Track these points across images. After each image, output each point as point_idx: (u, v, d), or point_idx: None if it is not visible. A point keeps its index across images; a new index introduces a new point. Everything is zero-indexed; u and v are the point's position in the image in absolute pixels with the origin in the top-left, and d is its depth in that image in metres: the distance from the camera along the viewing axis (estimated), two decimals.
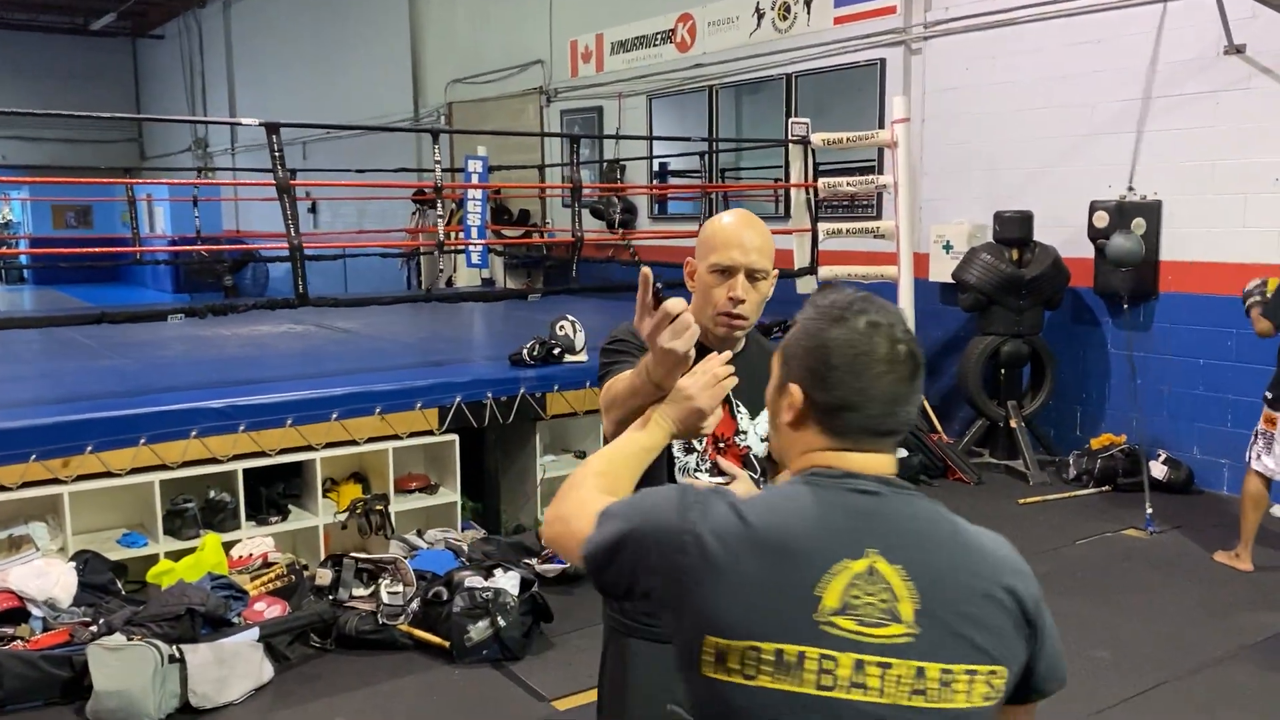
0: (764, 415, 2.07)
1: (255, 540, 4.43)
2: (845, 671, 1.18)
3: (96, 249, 11.89)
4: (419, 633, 3.97)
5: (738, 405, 2.02)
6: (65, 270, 15.40)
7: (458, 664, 3.85)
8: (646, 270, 1.56)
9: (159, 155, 22.31)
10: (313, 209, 15.40)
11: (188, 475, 4.41)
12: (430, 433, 4.90)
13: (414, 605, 4.04)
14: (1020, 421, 6.57)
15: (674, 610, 1.24)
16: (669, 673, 1.93)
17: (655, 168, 10.52)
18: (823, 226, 6.86)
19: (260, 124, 4.77)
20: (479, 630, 3.83)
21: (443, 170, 6.54)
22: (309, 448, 4.62)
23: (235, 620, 3.81)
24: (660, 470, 1.91)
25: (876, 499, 1.26)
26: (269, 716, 3.55)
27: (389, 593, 4.08)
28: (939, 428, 6.80)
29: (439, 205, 6.39)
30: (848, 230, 6.93)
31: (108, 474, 4.21)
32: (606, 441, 1.74)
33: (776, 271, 2.02)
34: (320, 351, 6.16)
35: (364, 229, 13.90)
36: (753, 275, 1.93)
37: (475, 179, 10.00)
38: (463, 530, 4.97)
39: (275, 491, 4.67)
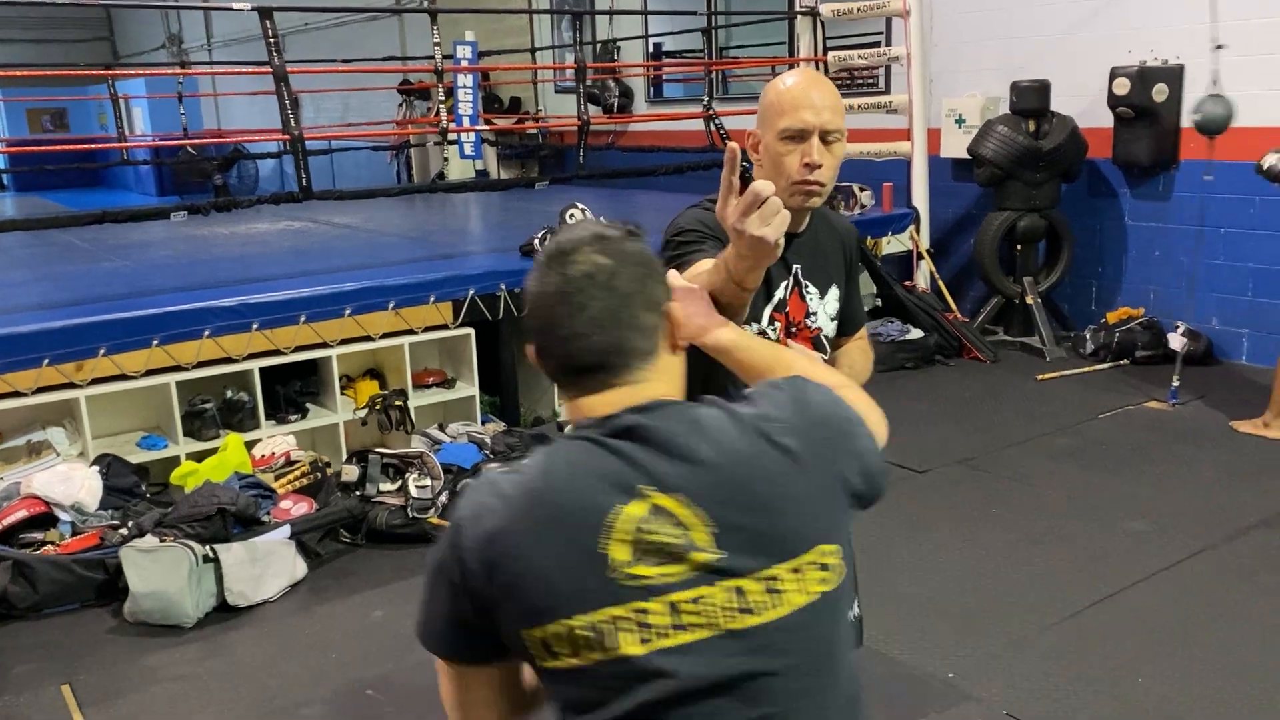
0: (833, 293, 1.98)
1: (276, 439, 4.38)
2: (663, 619, 1.09)
3: (78, 145, 11.43)
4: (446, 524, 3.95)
5: (806, 286, 1.92)
6: (45, 176, 15.02)
7: None
8: (734, 146, 1.33)
9: (132, 55, 21.58)
10: (295, 104, 14.96)
11: (204, 376, 4.33)
12: (445, 326, 4.80)
13: (443, 498, 4.02)
14: (1036, 298, 6.50)
15: (490, 625, 1.15)
16: None
17: (650, 49, 10.17)
18: None
19: (253, 8, 4.54)
20: None
21: (425, 58, 6.27)
22: (324, 344, 4.53)
23: (265, 519, 3.79)
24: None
25: (633, 434, 1.15)
26: (307, 612, 3.56)
27: (417, 486, 4.05)
28: (954, 307, 6.73)
29: (434, 95, 6.16)
30: (858, 106, 6.72)
31: (122, 376, 4.13)
32: None
33: (845, 131, 1.90)
34: (325, 248, 6.01)
35: (350, 123, 13.55)
36: (827, 137, 1.77)
37: (465, 65, 9.67)
38: (483, 424, 4.92)
39: (293, 390, 4.60)
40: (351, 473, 4.11)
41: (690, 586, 1.09)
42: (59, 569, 3.52)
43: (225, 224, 6.97)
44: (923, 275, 6.81)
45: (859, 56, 6.74)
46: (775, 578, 1.12)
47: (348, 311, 4.52)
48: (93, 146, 15.24)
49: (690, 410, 1.20)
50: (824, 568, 1.15)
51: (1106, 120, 6.29)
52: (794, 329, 1.92)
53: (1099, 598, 3.38)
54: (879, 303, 6.64)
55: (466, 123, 10.14)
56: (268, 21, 4.50)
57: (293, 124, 4.56)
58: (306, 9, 6.29)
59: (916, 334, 6.34)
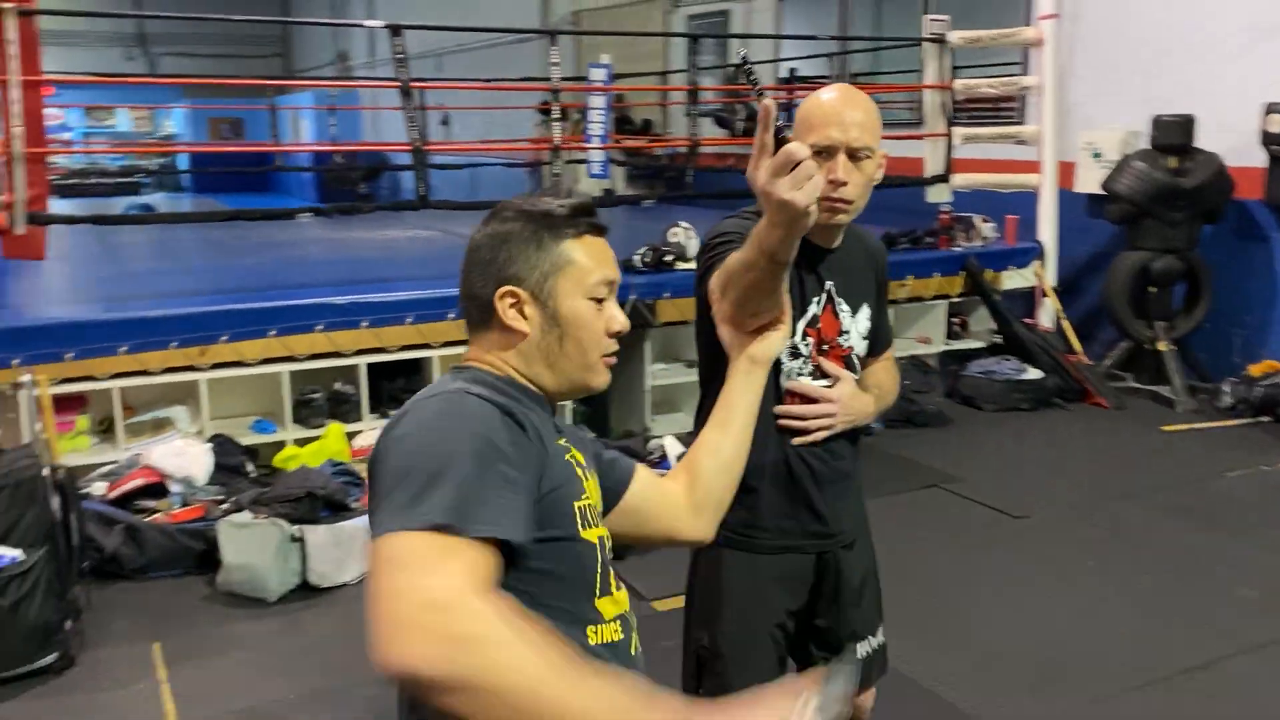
0: (864, 311, 1.96)
1: (376, 431, 4.54)
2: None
3: (241, 148, 12.22)
4: None
5: (840, 303, 1.91)
6: (220, 179, 16.07)
7: None
8: (769, 103, 1.24)
9: (304, 70, 22.92)
10: (445, 121, 15.60)
11: (315, 367, 4.57)
12: None
13: None
14: (1170, 344, 6.17)
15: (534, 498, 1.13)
16: (762, 582, 1.90)
17: (785, 74, 10.17)
18: (958, 132, 6.51)
19: (384, 25, 4.79)
20: None
21: (564, 79, 6.47)
22: (427, 345, 4.71)
23: (354, 505, 3.95)
24: (768, 379, 1.82)
25: None
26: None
27: None
28: (1078, 348, 6.45)
29: (553, 111, 6.34)
30: (986, 136, 6.55)
31: (241, 363, 4.40)
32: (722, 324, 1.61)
33: (884, 155, 1.87)
34: (442, 255, 6.25)
35: (484, 140, 14.04)
36: (855, 155, 1.75)
37: (599, 85, 9.89)
38: None
39: (396, 386, 4.80)
40: None
41: None
42: (164, 536, 3.77)
43: (363, 230, 7.33)
44: (1046, 313, 6.56)
45: (988, 85, 6.57)
46: None
47: (451, 316, 4.69)
48: (245, 149, 16.15)
49: (436, 387, 1.21)
50: None
51: (1257, 159, 5.94)
52: (826, 346, 1.90)
53: (1194, 665, 3.17)
54: (997, 339, 6.44)
55: (596, 143, 10.41)
56: (397, 38, 4.73)
57: (416, 134, 4.78)
58: (432, 28, 6.62)
59: (1034, 374, 6.11)
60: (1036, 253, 6.49)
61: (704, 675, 1.93)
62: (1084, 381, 6.11)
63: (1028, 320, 6.45)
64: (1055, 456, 5.21)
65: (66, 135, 21.29)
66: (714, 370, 1.89)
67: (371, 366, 4.66)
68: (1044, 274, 6.49)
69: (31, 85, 4.00)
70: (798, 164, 1.26)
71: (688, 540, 1.50)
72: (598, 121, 10.30)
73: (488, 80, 10.89)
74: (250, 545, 3.61)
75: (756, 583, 1.91)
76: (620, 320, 1.28)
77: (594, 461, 1.36)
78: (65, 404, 4.23)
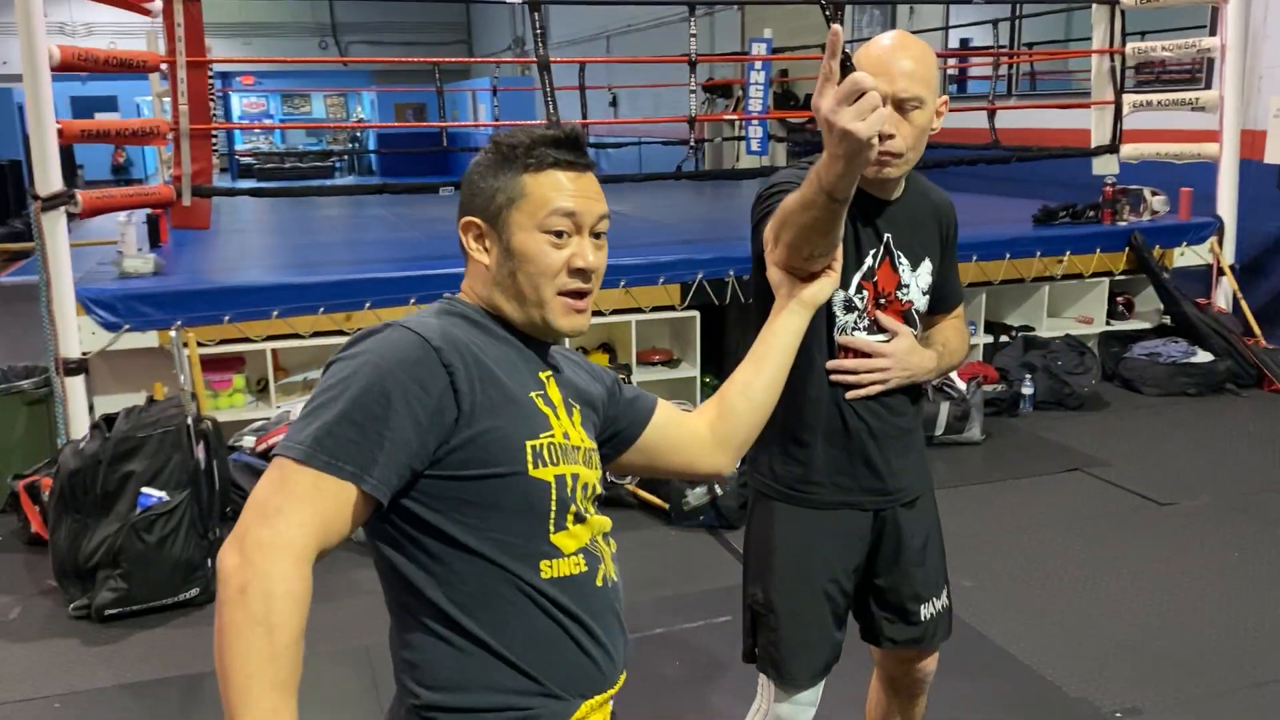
0: (925, 266, 1.90)
1: None
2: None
3: (405, 126, 12.74)
4: (643, 493, 4.10)
5: (899, 255, 1.85)
6: (403, 161, 16.85)
7: (675, 526, 3.96)
8: (837, 28, 1.19)
9: (486, 55, 23.71)
10: (613, 102, 15.83)
11: None
12: (672, 308, 4.96)
13: None
14: None
15: (446, 436, 1.15)
16: (816, 537, 1.88)
17: (957, 43, 9.78)
18: (1128, 99, 6.10)
19: (522, 1, 4.91)
20: (696, 496, 3.90)
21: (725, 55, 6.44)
22: (638, 310, 4.83)
23: None
24: (819, 333, 1.80)
25: None
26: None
27: None
28: (1257, 331, 5.96)
29: (692, 86, 6.31)
30: (1159, 103, 6.12)
31: None
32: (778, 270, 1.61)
33: (945, 99, 1.79)
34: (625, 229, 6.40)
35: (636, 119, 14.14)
36: (903, 106, 1.69)
37: (758, 61, 9.80)
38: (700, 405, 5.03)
39: None
40: None
41: None
42: None
43: None
44: (1223, 293, 6.08)
45: (1163, 48, 6.12)
46: None
47: (660, 280, 4.80)
48: (410, 127, 16.79)
49: (417, 314, 1.25)
50: None
51: None
52: (883, 300, 1.86)
53: None
54: (1165, 320, 6.02)
55: (756, 120, 10.32)
56: (535, 14, 4.84)
57: (552, 110, 4.89)
58: (573, 1, 6.66)
59: (1205, 357, 5.69)
60: (1213, 228, 6.02)
61: (758, 630, 1.93)
62: (1262, 366, 5.65)
63: (1200, 301, 6.00)
64: (1216, 443, 4.84)
65: (268, 121, 22.91)
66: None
67: None
68: (1221, 251, 6.01)
69: (196, 66, 4.33)
70: (863, 94, 1.24)
71: (705, 473, 1.53)
72: (757, 97, 10.23)
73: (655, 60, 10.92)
74: None
75: (810, 538, 1.89)
76: (583, 258, 1.23)
77: (603, 398, 1.38)
78: (224, 363, 4.58)
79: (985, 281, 5.55)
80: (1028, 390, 5.34)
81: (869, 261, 1.83)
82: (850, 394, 1.84)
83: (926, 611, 1.98)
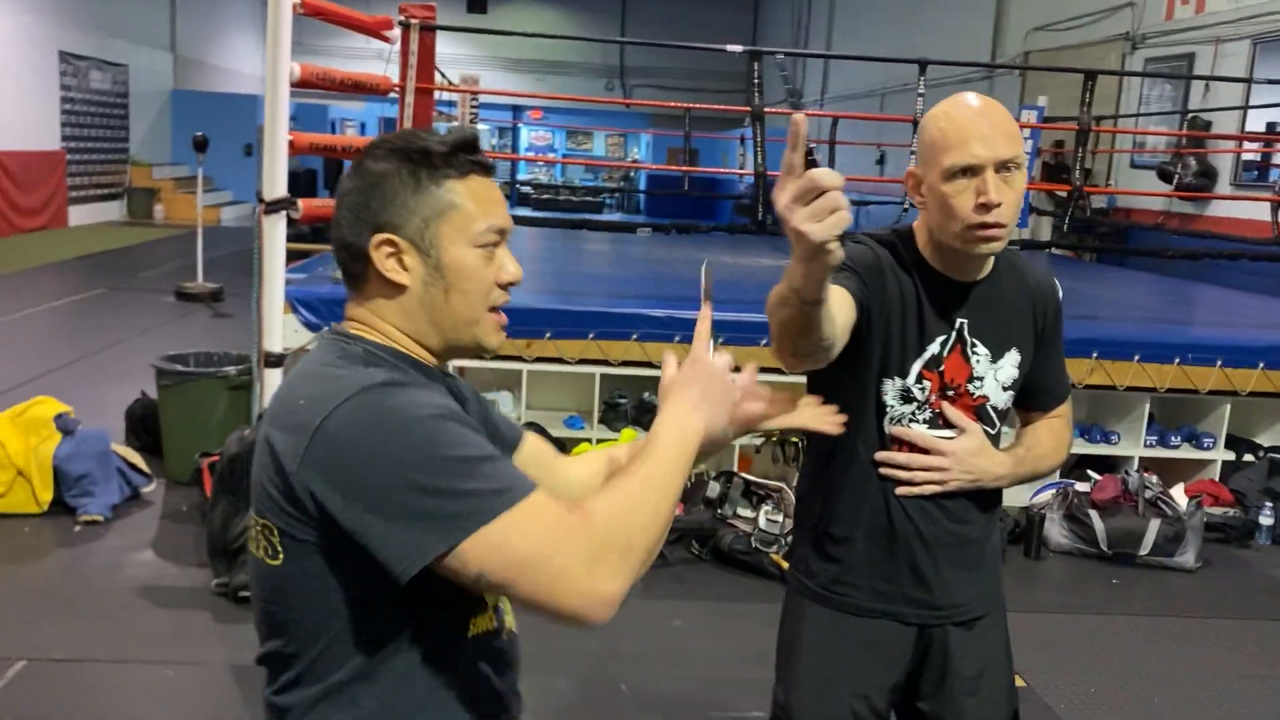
0: (1010, 357, 1.66)
1: None
2: None
3: (653, 168, 13.04)
4: (786, 565, 3.88)
5: (973, 344, 1.64)
6: (669, 202, 17.33)
7: None
8: (800, 117, 1.10)
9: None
10: (880, 160, 15.52)
11: (626, 374, 4.76)
12: None
13: (789, 537, 3.97)
14: None
15: None
16: (846, 645, 1.68)
17: (1260, 126, 8.80)
18: None
19: (743, 50, 4.89)
20: None
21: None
22: (737, 369, 4.69)
23: None
24: (866, 422, 1.64)
25: None
26: (624, 600, 3.75)
27: (768, 519, 4.04)
28: None
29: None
30: None
31: (560, 360, 4.71)
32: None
33: (1025, 158, 1.57)
34: (767, 282, 6.24)
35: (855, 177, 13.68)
36: (1004, 168, 1.50)
37: (1026, 131, 9.24)
38: None
39: None
40: (714, 489, 4.23)
41: None
42: None
43: (728, 253, 7.45)
44: None
45: None
46: (252, 519, 1.15)
47: (763, 342, 4.63)
48: (677, 171, 17.13)
49: (316, 346, 1.18)
50: (268, 540, 1.12)
51: None
52: (951, 392, 1.64)
53: None
54: None
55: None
56: (755, 63, 4.80)
57: (759, 160, 4.81)
58: (806, 54, 6.52)
59: None
60: None
61: None
62: None
63: None
64: None
65: (551, 155, 24.28)
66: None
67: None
68: None
69: (423, 93, 4.61)
70: (822, 193, 1.12)
71: None
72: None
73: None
74: None
75: (840, 645, 1.70)
76: (511, 270, 1.16)
77: (482, 424, 1.27)
78: None
79: (1231, 391, 4.89)
80: (1266, 520, 4.63)
81: (934, 349, 1.63)
82: (900, 490, 1.63)
83: None
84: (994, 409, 1.67)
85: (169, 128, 18.43)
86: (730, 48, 5.16)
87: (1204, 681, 3.39)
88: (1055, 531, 4.40)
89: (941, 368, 1.63)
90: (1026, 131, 9.31)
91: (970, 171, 1.51)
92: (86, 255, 12.25)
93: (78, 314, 8.83)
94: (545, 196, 20.13)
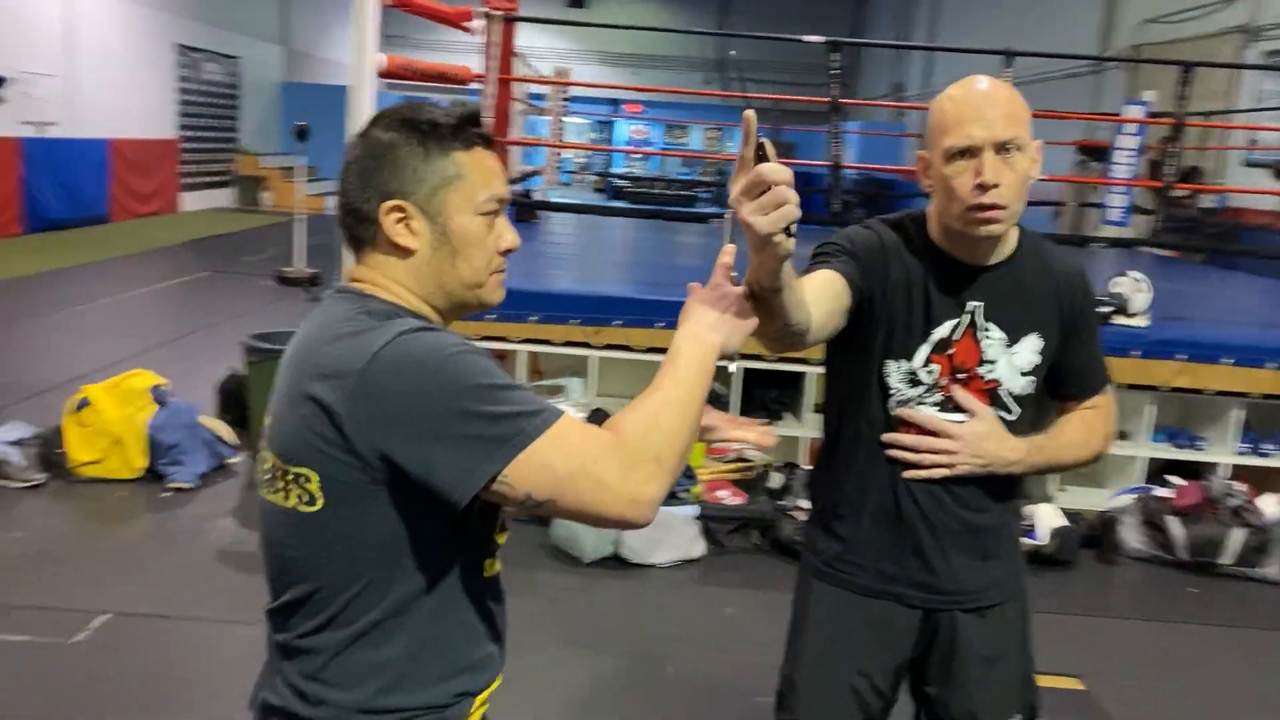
0: (1030, 343, 1.64)
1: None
2: (263, 469, 1.24)
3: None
4: None
5: (985, 328, 1.62)
6: None
7: None
8: (750, 114, 1.16)
9: (862, 100, 23.65)
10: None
11: None
12: None
13: None
14: None
15: None
16: (848, 624, 1.70)
17: None
18: None
19: (825, 40, 4.85)
20: None
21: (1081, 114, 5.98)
22: (804, 361, 4.68)
23: (681, 494, 4.09)
24: (869, 404, 1.64)
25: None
26: (678, 586, 3.79)
27: None
28: None
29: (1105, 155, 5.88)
30: None
31: (627, 348, 4.76)
32: None
33: (1039, 144, 1.55)
34: None
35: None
36: (1004, 149, 1.49)
37: (1130, 126, 8.92)
38: None
39: (769, 396, 4.84)
40: (777, 480, 4.22)
41: (267, 446, 1.24)
42: None
43: (806, 244, 7.43)
44: None
45: None
46: (284, 470, 1.20)
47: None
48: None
49: (328, 303, 1.24)
50: (302, 488, 1.17)
51: None
52: (962, 375, 1.62)
53: None
54: None
55: (1119, 188, 9.38)
56: (835, 54, 4.75)
57: (835, 150, 4.77)
58: (913, 47, 6.42)
59: None
60: None
61: (780, 708, 1.78)
62: None
63: None
64: None
65: (649, 148, 24.34)
66: (834, 399, 1.73)
67: (748, 372, 4.75)
68: None
69: (504, 84, 4.70)
70: (769, 187, 1.15)
71: None
72: (1124, 164, 9.32)
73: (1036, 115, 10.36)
74: None
75: (842, 623, 1.71)
76: (509, 238, 1.24)
77: None
78: None
79: None
80: None
81: (942, 332, 1.62)
82: (908, 474, 1.63)
83: None
84: (1010, 394, 1.64)
85: (278, 118, 19.08)
86: (808, 38, 5.12)
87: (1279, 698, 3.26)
88: (1131, 537, 4.26)
89: (951, 351, 1.62)
90: (1134, 128, 9.01)
91: (969, 153, 1.51)
92: (195, 240, 12.80)
93: (182, 295, 9.25)
94: (639, 190, 20.20)
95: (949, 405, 1.62)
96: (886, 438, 1.64)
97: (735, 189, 1.19)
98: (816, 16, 23.53)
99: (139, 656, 3.07)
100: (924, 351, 1.61)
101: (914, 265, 1.61)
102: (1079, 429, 1.71)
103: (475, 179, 1.20)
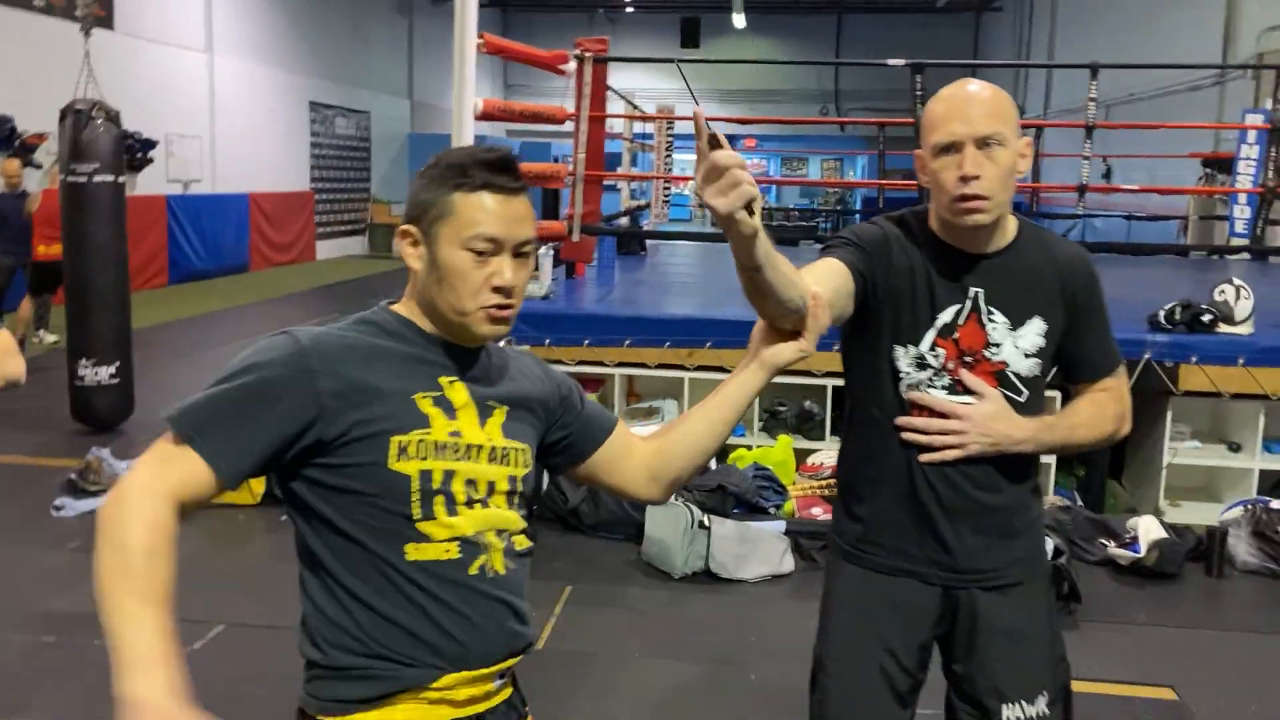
0: (1033, 326, 1.71)
1: (833, 453, 4.70)
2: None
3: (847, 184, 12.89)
4: None
5: (989, 311, 1.69)
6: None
7: None
8: (698, 110, 1.30)
9: None
10: (1106, 174, 14.76)
11: (787, 383, 4.85)
12: None
13: None
14: None
15: (305, 434, 1.29)
16: (872, 602, 1.79)
17: None
18: None
19: (907, 63, 4.90)
20: None
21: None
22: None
23: (771, 510, 4.17)
24: (883, 389, 1.73)
25: None
26: (765, 601, 3.85)
27: None
28: None
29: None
30: None
31: (722, 369, 4.86)
32: None
33: (1028, 141, 1.62)
34: None
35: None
36: (985, 144, 1.58)
37: (1251, 136, 8.60)
38: (1052, 494, 4.58)
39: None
40: None
41: None
42: (615, 503, 4.37)
43: None
44: None
45: None
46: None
47: None
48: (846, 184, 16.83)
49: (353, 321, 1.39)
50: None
51: None
52: (968, 358, 1.70)
53: None
54: None
55: (1243, 200, 9.01)
56: (918, 76, 4.81)
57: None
58: (1068, 66, 6.39)
59: None
60: None
61: (814, 687, 1.85)
62: None
63: None
64: None
65: (765, 181, 24.44)
66: (850, 384, 1.82)
67: (837, 389, 4.80)
68: None
69: (596, 120, 4.92)
70: (724, 171, 1.28)
71: (636, 499, 1.62)
72: (1247, 174, 8.96)
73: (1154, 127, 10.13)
74: (665, 523, 4.03)
75: (866, 602, 1.78)
76: (504, 277, 1.32)
77: (551, 403, 1.46)
78: (583, 383, 5.09)
79: None
80: None
81: (947, 317, 1.70)
82: (924, 457, 1.70)
83: (1010, 713, 1.74)
84: (1017, 375, 1.70)
85: (406, 168, 20.02)
86: (891, 62, 5.18)
87: None
88: (1242, 549, 4.12)
89: (956, 335, 1.69)
90: (1256, 137, 8.67)
91: (952, 148, 1.61)
92: (328, 284, 13.54)
93: None
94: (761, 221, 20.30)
95: (958, 388, 1.70)
96: (899, 421, 1.71)
97: (698, 178, 1.31)
98: (935, 44, 23.33)
99: (250, 664, 3.30)
100: (930, 336, 1.69)
101: (916, 254, 1.70)
102: (1089, 409, 1.75)
103: (466, 216, 1.31)
